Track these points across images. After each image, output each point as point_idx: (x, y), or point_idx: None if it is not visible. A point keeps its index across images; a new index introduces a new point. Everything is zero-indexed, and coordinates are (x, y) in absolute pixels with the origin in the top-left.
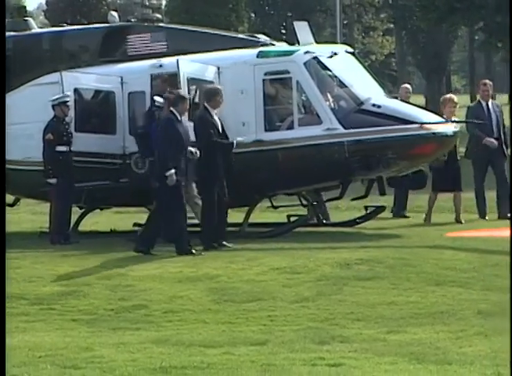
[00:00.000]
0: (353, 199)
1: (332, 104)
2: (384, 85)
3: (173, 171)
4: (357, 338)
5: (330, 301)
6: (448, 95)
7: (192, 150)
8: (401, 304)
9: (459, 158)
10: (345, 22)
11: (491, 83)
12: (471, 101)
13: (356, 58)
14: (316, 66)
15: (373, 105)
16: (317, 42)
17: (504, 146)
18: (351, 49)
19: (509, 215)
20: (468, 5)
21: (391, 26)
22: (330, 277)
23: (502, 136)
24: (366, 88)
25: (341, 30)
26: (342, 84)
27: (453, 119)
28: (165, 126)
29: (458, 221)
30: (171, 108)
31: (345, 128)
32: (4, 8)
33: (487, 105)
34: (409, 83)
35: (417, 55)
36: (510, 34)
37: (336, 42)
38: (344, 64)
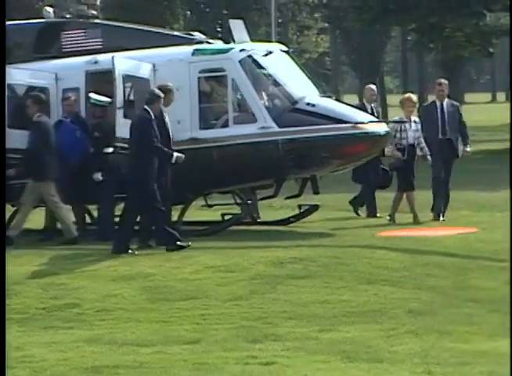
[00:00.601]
0: (287, 197)
1: (267, 103)
2: (319, 84)
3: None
4: (290, 336)
5: (264, 299)
6: (406, 95)
7: (179, 154)
8: (333, 302)
9: (416, 158)
10: (280, 20)
11: (446, 82)
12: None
13: (291, 57)
14: (251, 65)
15: (308, 104)
16: (252, 40)
17: (456, 146)
18: (285, 48)
19: (441, 217)
20: (401, 6)
21: (326, 25)
22: (264, 276)
23: (458, 136)
24: (301, 87)
25: (276, 29)
26: (277, 83)
27: (391, 119)
28: (139, 124)
29: (415, 221)
30: (145, 106)
31: (279, 127)
32: (4, 8)
33: (441, 105)
34: (373, 83)
35: (351, 55)
36: (510, 35)
37: (271, 41)
38: (278, 63)
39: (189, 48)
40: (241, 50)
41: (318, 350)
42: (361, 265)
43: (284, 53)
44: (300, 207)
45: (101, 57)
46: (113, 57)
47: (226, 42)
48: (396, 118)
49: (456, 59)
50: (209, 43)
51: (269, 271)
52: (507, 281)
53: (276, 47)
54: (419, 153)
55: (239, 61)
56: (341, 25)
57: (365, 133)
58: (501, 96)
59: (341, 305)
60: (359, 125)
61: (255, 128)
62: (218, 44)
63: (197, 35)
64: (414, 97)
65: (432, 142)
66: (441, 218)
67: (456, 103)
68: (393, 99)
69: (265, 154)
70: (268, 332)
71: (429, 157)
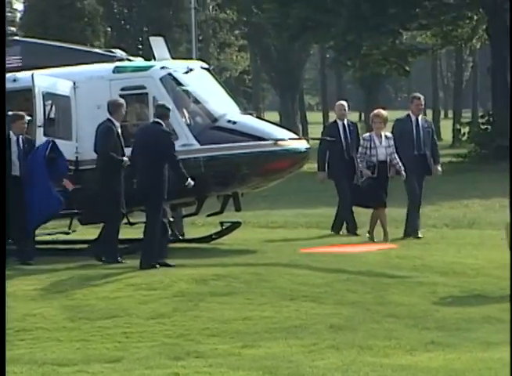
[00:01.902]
0: (209, 215)
1: (188, 120)
2: (239, 102)
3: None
4: (212, 353)
5: (186, 317)
6: (375, 111)
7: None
8: (255, 319)
9: (389, 175)
10: (201, 38)
11: (422, 97)
12: (324, 118)
13: (211, 74)
14: (172, 82)
15: (229, 121)
16: (173, 58)
17: (430, 163)
18: (206, 65)
19: (419, 235)
20: (319, 24)
21: (246, 42)
22: (186, 293)
23: (428, 153)
24: (222, 104)
25: (197, 46)
26: (198, 100)
27: (310, 136)
28: (105, 133)
29: (385, 239)
30: (109, 116)
31: (201, 144)
32: (4, 8)
33: (416, 119)
34: (345, 99)
35: (271, 72)
36: (510, 35)
37: (191, 58)
38: (199, 80)
39: (110, 66)
40: (162, 67)
41: (240, 366)
42: (282, 281)
43: (205, 70)
44: (222, 224)
45: (20, 75)
46: (32, 75)
47: (147, 59)
48: (325, 139)
49: (373, 77)
50: (130, 60)
51: (191, 288)
52: (424, 296)
53: (197, 64)
54: (392, 172)
55: (160, 79)
56: (261, 42)
57: (286, 150)
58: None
59: (263, 322)
60: (280, 142)
61: (177, 146)
62: (139, 61)
63: (118, 52)
64: (383, 113)
65: (407, 158)
66: (419, 235)
67: (429, 119)
68: (313, 117)
69: (187, 172)
70: (190, 349)
71: (403, 173)
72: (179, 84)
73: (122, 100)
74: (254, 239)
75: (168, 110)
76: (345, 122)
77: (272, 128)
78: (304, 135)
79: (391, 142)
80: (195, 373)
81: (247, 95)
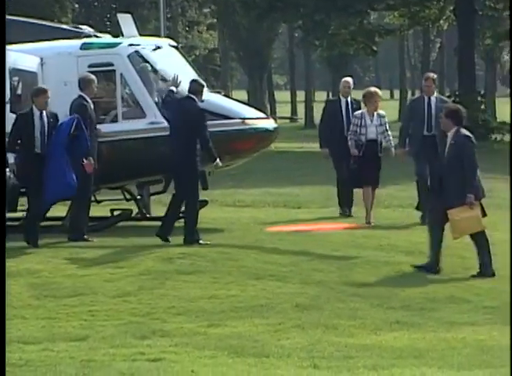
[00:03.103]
0: None
1: (156, 98)
2: (208, 80)
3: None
4: (178, 332)
5: (152, 295)
6: (372, 89)
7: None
8: (221, 297)
9: (381, 155)
10: (169, 15)
11: (434, 76)
12: (291, 97)
13: (180, 52)
14: (140, 59)
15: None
16: (141, 35)
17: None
18: (174, 43)
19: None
20: (287, 4)
21: (215, 21)
22: (152, 272)
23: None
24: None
25: (165, 24)
26: (166, 78)
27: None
28: (78, 109)
29: (366, 219)
30: (80, 92)
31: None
32: (4, 8)
33: (429, 99)
34: (350, 76)
35: (239, 51)
36: (510, 34)
37: (160, 36)
38: (167, 58)
39: (78, 42)
40: (130, 45)
41: (206, 345)
42: (249, 260)
43: (173, 48)
44: None
45: None
46: None
47: (115, 36)
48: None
49: (341, 57)
50: (97, 37)
51: (158, 267)
52: (389, 275)
53: (165, 42)
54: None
55: (128, 56)
56: (229, 21)
57: (254, 129)
58: (386, 94)
59: (229, 300)
60: (248, 121)
61: (145, 123)
62: (107, 38)
63: (86, 29)
64: (379, 91)
65: (416, 138)
66: None
67: (445, 98)
68: (281, 96)
69: (155, 150)
70: (156, 328)
71: (393, 150)
72: (147, 61)
73: (93, 76)
74: (220, 218)
75: (202, 85)
76: (348, 99)
77: (240, 106)
78: (272, 114)
79: (384, 120)
80: (160, 352)
81: (216, 74)
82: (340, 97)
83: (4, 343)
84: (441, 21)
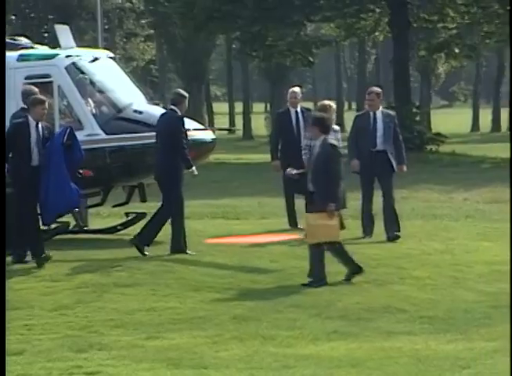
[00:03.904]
0: (114, 205)
1: (93, 110)
2: (146, 91)
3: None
4: (115, 345)
5: (89, 308)
6: (326, 102)
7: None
8: (160, 310)
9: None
10: (107, 27)
11: (379, 91)
12: (230, 109)
13: (117, 63)
14: (77, 71)
15: (135, 111)
16: (79, 46)
17: (392, 160)
18: (112, 54)
19: (397, 233)
20: (225, 15)
21: (152, 32)
22: (90, 284)
23: (390, 149)
24: (128, 94)
25: (103, 35)
26: (103, 90)
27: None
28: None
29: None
30: (172, 106)
31: (107, 134)
32: (4, 8)
33: (374, 114)
34: (299, 86)
35: (177, 62)
36: (510, 33)
37: (97, 47)
38: (105, 69)
39: (15, 54)
40: (67, 56)
41: (143, 358)
42: (187, 272)
43: (111, 60)
44: (127, 215)
45: None
46: None
47: (52, 48)
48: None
49: (278, 69)
50: (34, 48)
51: (95, 279)
52: (327, 286)
53: (103, 53)
54: None
55: (65, 67)
56: (167, 32)
57: (192, 141)
58: None
59: (168, 313)
60: (186, 133)
61: (82, 136)
62: (44, 49)
63: (23, 40)
64: (333, 104)
65: (362, 155)
66: (397, 233)
67: (392, 112)
68: (219, 107)
69: (92, 162)
70: (93, 341)
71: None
72: (84, 73)
73: (36, 89)
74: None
75: (184, 97)
76: (298, 109)
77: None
78: (210, 126)
79: (337, 135)
80: (98, 365)
81: (154, 85)
82: (290, 108)
83: (4, 343)
84: (377, 33)
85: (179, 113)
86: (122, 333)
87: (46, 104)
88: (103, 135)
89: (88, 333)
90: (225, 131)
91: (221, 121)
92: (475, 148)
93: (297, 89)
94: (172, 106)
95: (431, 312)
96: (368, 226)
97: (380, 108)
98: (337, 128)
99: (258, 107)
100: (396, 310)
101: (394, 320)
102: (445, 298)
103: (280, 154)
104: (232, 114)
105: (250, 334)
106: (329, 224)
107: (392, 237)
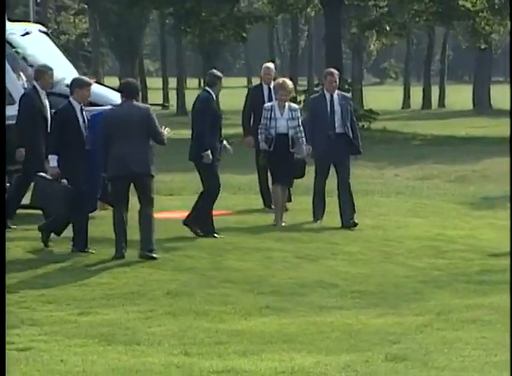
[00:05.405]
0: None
1: (25, 84)
2: (78, 66)
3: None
4: (47, 320)
5: (21, 284)
6: (281, 80)
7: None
8: (92, 285)
9: (292, 150)
10: (38, 0)
11: (337, 73)
12: (163, 84)
13: (50, 37)
14: (8, 46)
15: (67, 86)
16: (10, 20)
17: (355, 142)
18: (44, 28)
19: (354, 220)
20: None
21: (85, 6)
22: (22, 260)
23: (350, 132)
24: (60, 68)
25: (34, 9)
26: (35, 64)
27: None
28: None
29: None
30: (207, 87)
31: None
32: (4, 8)
33: (331, 96)
34: (272, 61)
35: (110, 37)
36: (510, 33)
37: (29, 21)
38: (37, 44)
39: None
40: None
41: (76, 334)
42: None
43: (43, 34)
44: None
45: None
46: None
47: None
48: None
49: (212, 44)
50: None
51: (28, 255)
52: (260, 261)
53: (35, 27)
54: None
55: None
56: (100, 6)
57: None
58: (257, 81)
59: (100, 288)
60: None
61: (13, 111)
62: None
63: None
64: (289, 84)
65: (320, 140)
66: (355, 221)
67: (348, 94)
68: (153, 82)
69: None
70: (25, 317)
71: (303, 146)
72: (16, 47)
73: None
74: None
75: (218, 77)
76: (271, 86)
77: (112, 93)
78: (144, 101)
79: (296, 113)
80: (29, 341)
81: (86, 60)
82: (263, 84)
83: (4, 344)
84: (309, 9)
85: (213, 95)
86: (54, 308)
87: (91, 87)
88: None
89: (20, 308)
90: (159, 107)
91: (155, 97)
92: (406, 125)
93: (270, 65)
94: (207, 88)
95: (362, 286)
96: (320, 210)
97: (336, 90)
98: (295, 106)
99: (192, 83)
100: (328, 285)
101: (327, 295)
102: (375, 272)
103: (253, 130)
104: (165, 90)
105: (183, 309)
106: None
107: (350, 224)
